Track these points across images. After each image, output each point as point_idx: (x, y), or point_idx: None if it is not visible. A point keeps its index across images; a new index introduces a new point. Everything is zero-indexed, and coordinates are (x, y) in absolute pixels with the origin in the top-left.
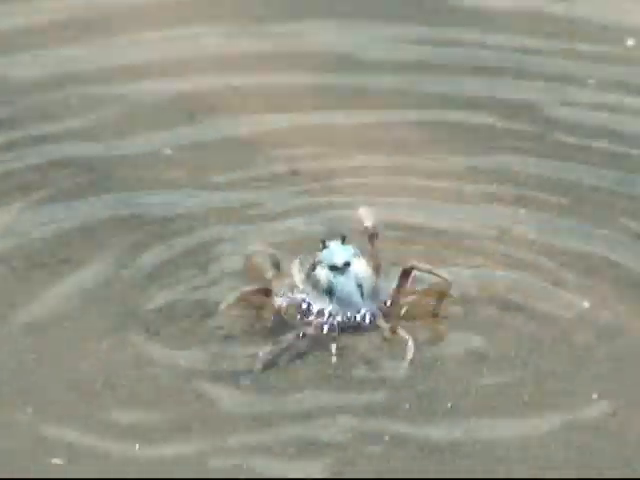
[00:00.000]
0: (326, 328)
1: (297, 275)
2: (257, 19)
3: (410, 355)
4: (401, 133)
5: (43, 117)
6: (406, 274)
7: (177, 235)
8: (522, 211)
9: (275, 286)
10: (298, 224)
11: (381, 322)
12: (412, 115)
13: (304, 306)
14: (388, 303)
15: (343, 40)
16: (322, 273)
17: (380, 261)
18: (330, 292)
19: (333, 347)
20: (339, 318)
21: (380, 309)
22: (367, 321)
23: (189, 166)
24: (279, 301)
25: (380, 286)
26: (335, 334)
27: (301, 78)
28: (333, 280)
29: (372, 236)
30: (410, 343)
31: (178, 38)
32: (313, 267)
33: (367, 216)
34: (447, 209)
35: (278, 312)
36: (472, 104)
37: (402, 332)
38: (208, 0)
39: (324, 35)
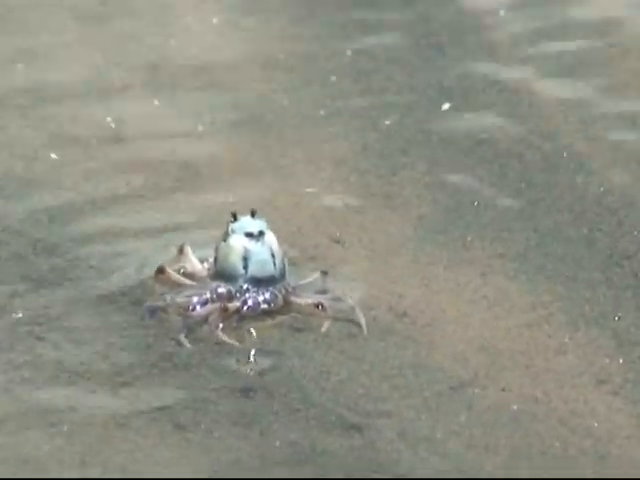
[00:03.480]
0: (246, 307)
1: (193, 259)
2: None
3: (363, 320)
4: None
5: None
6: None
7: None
8: None
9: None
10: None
11: (298, 298)
12: None
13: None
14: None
15: None
16: (237, 241)
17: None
18: (246, 259)
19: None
20: (251, 295)
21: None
22: (279, 296)
23: None
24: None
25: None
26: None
27: None
28: (249, 247)
29: None
30: (357, 309)
31: None
32: (225, 237)
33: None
34: None
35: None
36: None
37: (343, 300)
38: None
39: None
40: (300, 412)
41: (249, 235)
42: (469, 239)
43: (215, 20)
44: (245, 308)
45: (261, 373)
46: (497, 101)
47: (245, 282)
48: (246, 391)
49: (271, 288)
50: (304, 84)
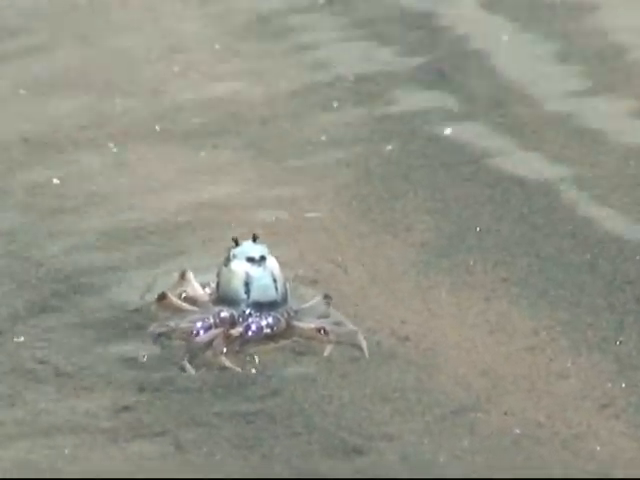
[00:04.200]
0: (249, 332)
1: (195, 284)
2: None
3: (364, 344)
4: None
5: None
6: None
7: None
8: None
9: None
10: None
11: (300, 323)
12: None
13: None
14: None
15: None
16: (239, 266)
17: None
18: (247, 284)
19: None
20: (254, 320)
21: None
22: (282, 321)
23: None
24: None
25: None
26: (257, 337)
27: None
28: (250, 272)
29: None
30: (359, 333)
31: None
32: (227, 262)
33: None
34: None
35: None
36: None
37: (345, 324)
38: None
39: None
40: (302, 436)
41: (250, 260)
42: (471, 263)
43: (217, 46)
44: (249, 333)
45: (263, 397)
46: (500, 126)
47: (247, 307)
48: (248, 415)
49: (273, 312)
50: (306, 109)
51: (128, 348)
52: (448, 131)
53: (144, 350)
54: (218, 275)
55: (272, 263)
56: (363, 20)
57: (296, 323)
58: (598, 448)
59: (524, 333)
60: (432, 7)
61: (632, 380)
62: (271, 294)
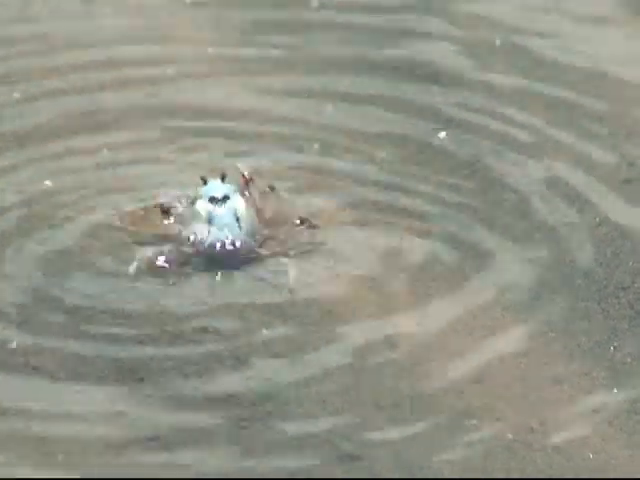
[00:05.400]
0: (204, 246)
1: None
2: None
3: (291, 279)
4: None
5: None
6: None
7: None
8: None
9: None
10: None
11: (259, 250)
12: None
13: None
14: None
15: None
16: (202, 205)
17: (258, 206)
18: (209, 223)
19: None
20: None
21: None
22: (242, 246)
23: None
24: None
25: (258, 229)
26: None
27: None
28: (212, 211)
29: (248, 182)
30: (292, 270)
31: None
32: (193, 201)
33: (244, 167)
34: None
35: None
36: None
37: (282, 259)
38: None
39: None
40: (295, 442)
41: (213, 200)
42: (465, 270)
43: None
44: (207, 246)
45: (256, 403)
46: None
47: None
48: (241, 420)
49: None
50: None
51: (121, 353)
52: (442, 134)
53: (136, 354)
54: (185, 214)
55: (236, 202)
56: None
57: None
58: (590, 455)
59: (517, 338)
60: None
61: (625, 386)
62: (233, 232)
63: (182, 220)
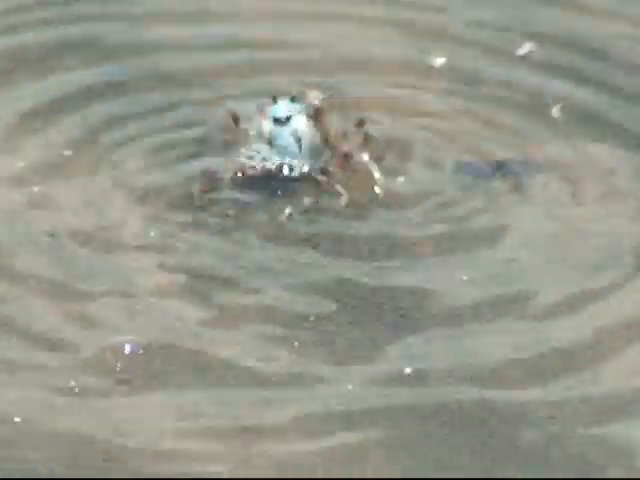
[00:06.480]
0: (263, 167)
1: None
2: None
3: (344, 201)
4: None
5: None
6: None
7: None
8: None
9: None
10: None
11: (319, 176)
12: None
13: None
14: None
15: None
16: (265, 125)
17: (330, 133)
18: (270, 143)
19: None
20: (277, 163)
21: (319, 167)
22: (304, 171)
23: None
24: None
25: (323, 151)
26: (273, 172)
27: None
28: (273, 132)
29: (319, 111)
30: (344, 196)
31: None
32: (260, 119)
33: (315, 95)
34: None
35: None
36: None
37: (338, 187)
38: None
39: None
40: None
41: (276, 120)
42: None
43: None
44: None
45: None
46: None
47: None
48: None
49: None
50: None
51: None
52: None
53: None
54: (255, 127)
55: (298, 123)
56: None
57: (317, 176)
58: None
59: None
60: None
61: None
62: (292, 152)
63: (247, 136)
